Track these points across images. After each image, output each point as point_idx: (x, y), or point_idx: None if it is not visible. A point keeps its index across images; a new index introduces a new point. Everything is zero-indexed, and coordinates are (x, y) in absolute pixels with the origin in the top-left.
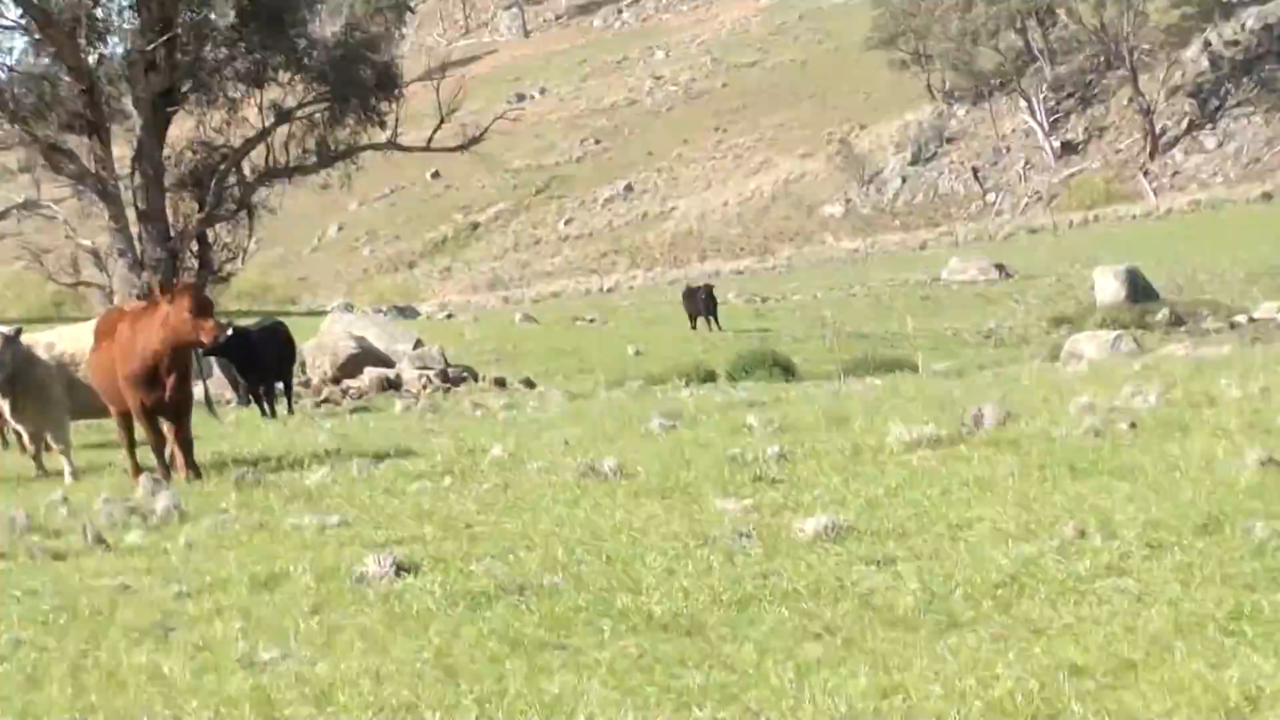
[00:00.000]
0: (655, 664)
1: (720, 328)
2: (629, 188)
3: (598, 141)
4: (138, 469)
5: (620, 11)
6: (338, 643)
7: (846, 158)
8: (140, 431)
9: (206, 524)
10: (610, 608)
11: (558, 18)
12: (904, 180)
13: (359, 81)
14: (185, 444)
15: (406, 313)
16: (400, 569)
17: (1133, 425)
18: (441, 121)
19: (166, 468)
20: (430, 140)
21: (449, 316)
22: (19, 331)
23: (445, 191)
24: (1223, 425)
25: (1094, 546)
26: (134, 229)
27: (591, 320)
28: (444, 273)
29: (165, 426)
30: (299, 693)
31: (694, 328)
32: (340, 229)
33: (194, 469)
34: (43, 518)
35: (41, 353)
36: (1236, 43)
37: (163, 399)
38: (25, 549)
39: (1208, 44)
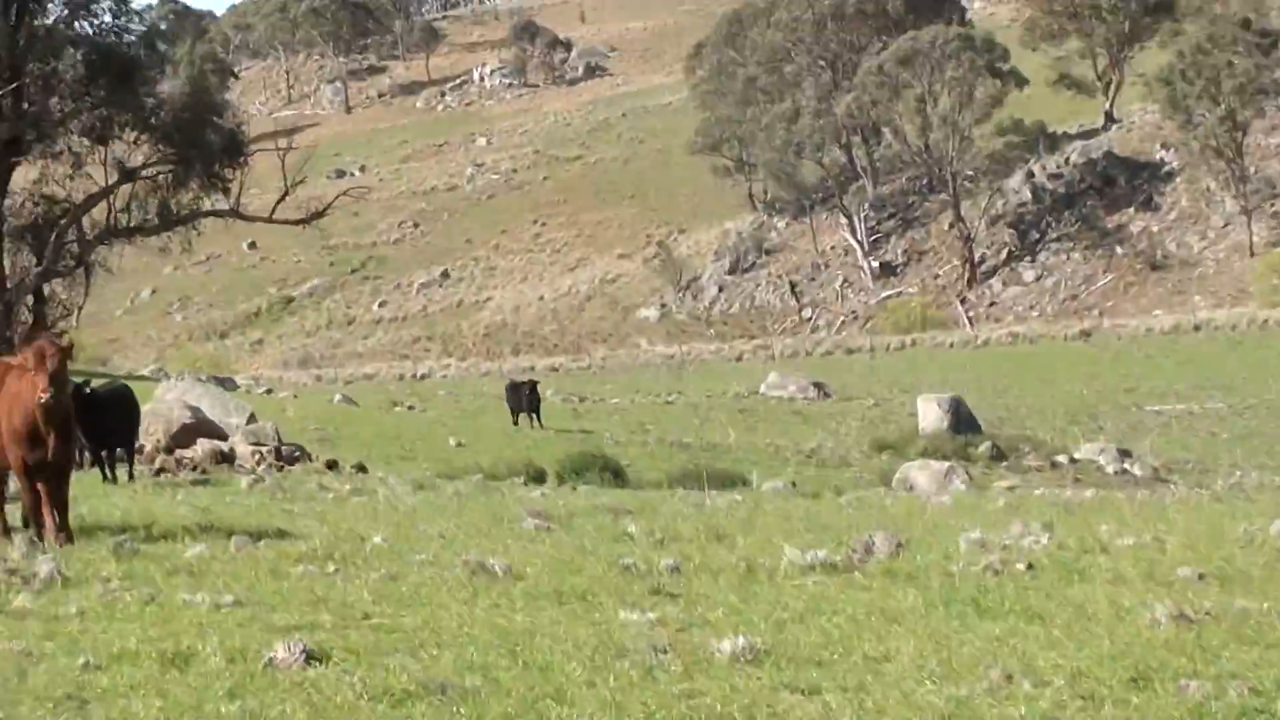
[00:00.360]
0: None
1: (543, 425)
2: (445, 274)
3: (416, 225)
4: (6, 529)
5: (443, 94)
6: None
7: (664, 261)
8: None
9: (96, 593)
10: (542, 717)
11: (380, 95)
12: (721, 289)
13: (205, 145)
14: (61, 506)
15: (226, 384)
16: (310, 657)
17: (1030, 567)
18: (286, 193)
19: (40, 529)
20: (273, 211)
21: (268, 391)
22: None
23: (261, 263)
24: (1121, 574)
25: (1025, 693)
26: None
27: (411, 407)
28: (255, 345)
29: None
30: None
31: (516, 424)
32: (153, 292)
33: (67, 533)
34: None
35: None
36: (1060, 175)
37: (45, 458)
38: None
39: (1031, 175)
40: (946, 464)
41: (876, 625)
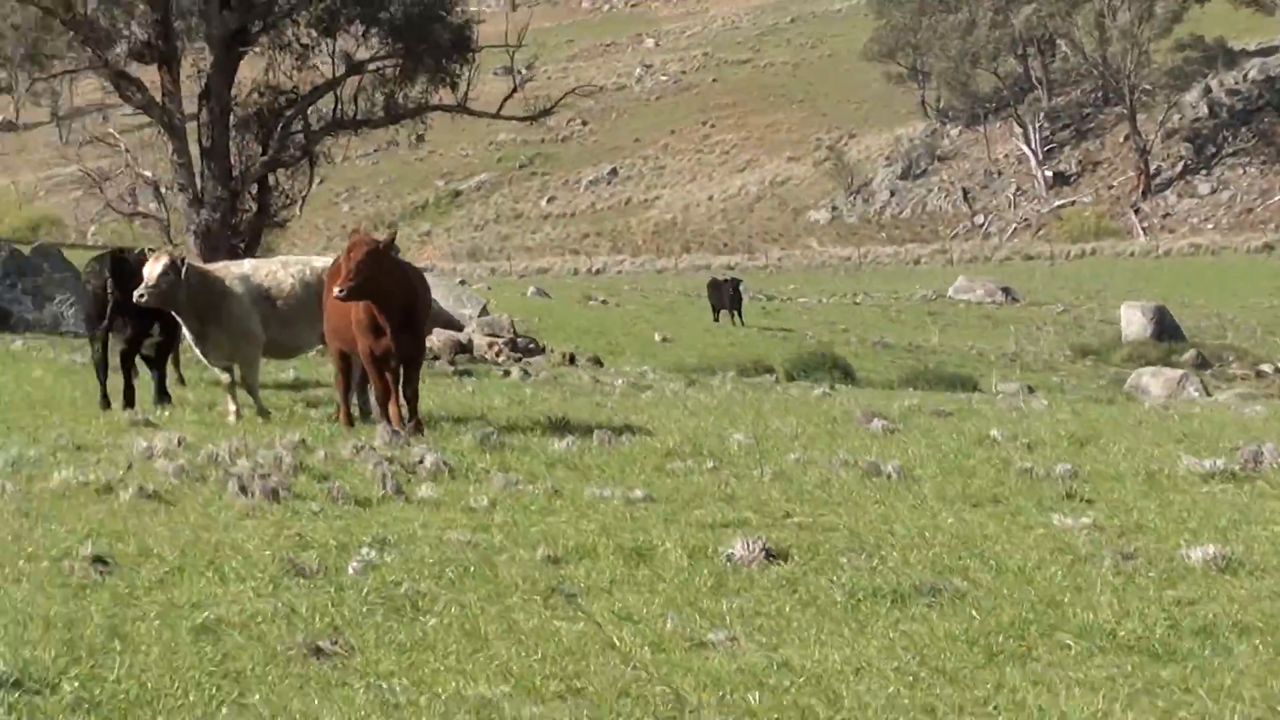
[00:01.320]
0: (1159, 690)
1: (743, 323)
2: (614, 172)
3: (584, 123)
4: (350, 417)
5: None
6: (784, 630)
7: (836, 165)
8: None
9: (496, 484)
10: (1063, 622)
11: None
12: (892, 193)
13: (434, 41)
14: (411, 397)
15: None
16: (769, 554)
17: None
18: (514, 89)
19: (387, 417)
20: (500, 108)
21: (461, 283)
22: (183, 259)
23: (429, 156)
24: None
25: None
26: (196, 166)
27: (604, 301)
28: (424, 237)
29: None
30: (790, 681)
31: (717, 320)
32: (321, 182)
33: (417, 423)
34: (302, 459)
35: (237, 285)
36: (1238, 91)
37: (389, 348)
38: (326, 492)
39: (1208, 90)
40: (1180, 372)
41: None
